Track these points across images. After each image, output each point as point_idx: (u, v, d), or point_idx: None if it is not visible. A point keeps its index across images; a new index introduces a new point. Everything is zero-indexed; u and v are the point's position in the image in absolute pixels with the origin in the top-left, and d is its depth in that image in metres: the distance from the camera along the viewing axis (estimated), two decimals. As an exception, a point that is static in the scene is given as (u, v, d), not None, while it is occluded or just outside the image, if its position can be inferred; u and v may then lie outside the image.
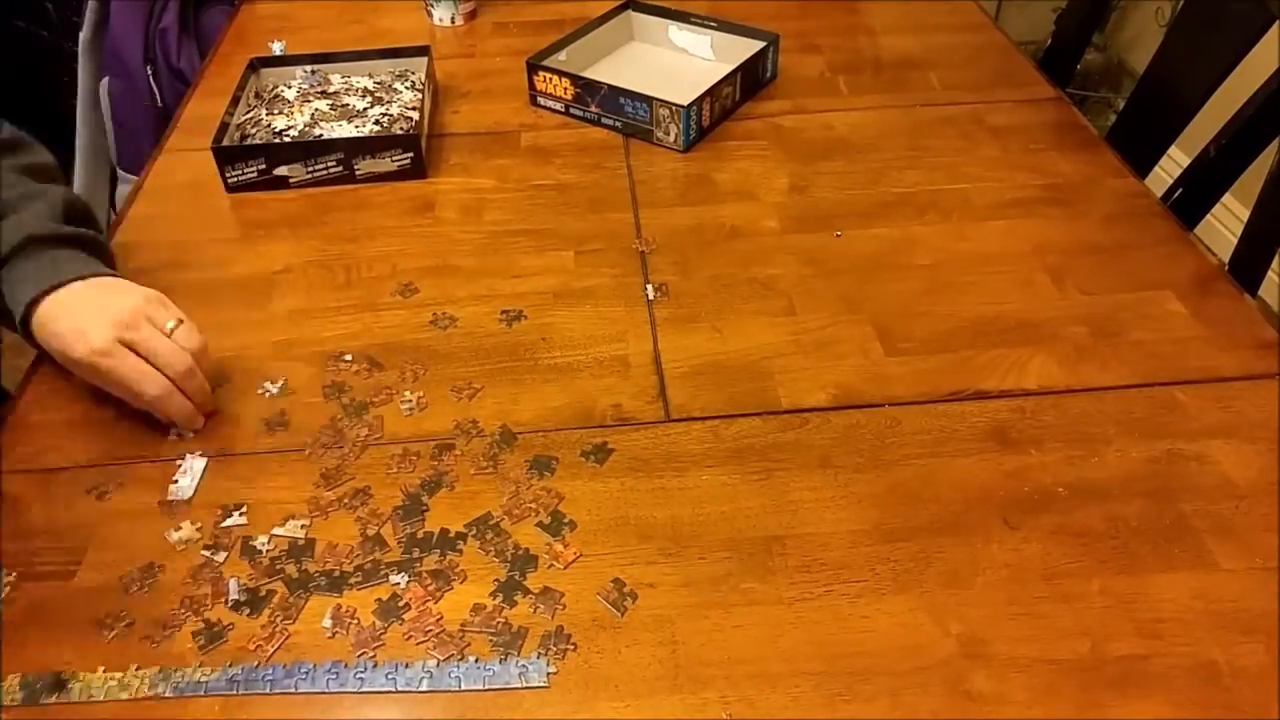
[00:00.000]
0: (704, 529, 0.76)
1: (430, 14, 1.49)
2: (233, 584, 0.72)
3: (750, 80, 1.29)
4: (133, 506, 0.79)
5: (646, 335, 0.94)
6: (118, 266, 0.91)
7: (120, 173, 1.88)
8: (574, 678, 0.67)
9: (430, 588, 0.72)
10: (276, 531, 0.76)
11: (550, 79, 1.26)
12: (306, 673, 0.67)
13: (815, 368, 0.90)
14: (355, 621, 0.70)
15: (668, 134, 1.19)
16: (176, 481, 0.80)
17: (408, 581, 0.72)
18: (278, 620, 0.70)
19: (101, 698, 0.66)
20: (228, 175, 1.14)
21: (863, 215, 1.09)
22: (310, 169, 1.14)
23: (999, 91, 1.31)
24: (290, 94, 1.28)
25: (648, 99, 1.18)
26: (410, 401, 0.87)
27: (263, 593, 0.72)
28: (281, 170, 1.14)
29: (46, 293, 0.81)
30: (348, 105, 1.25)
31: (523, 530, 0.76)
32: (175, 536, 0.76)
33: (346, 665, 0.67)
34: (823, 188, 1.14)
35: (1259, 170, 1.18)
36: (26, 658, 0.68)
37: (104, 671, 0.67)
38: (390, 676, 0.67)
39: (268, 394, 0.89)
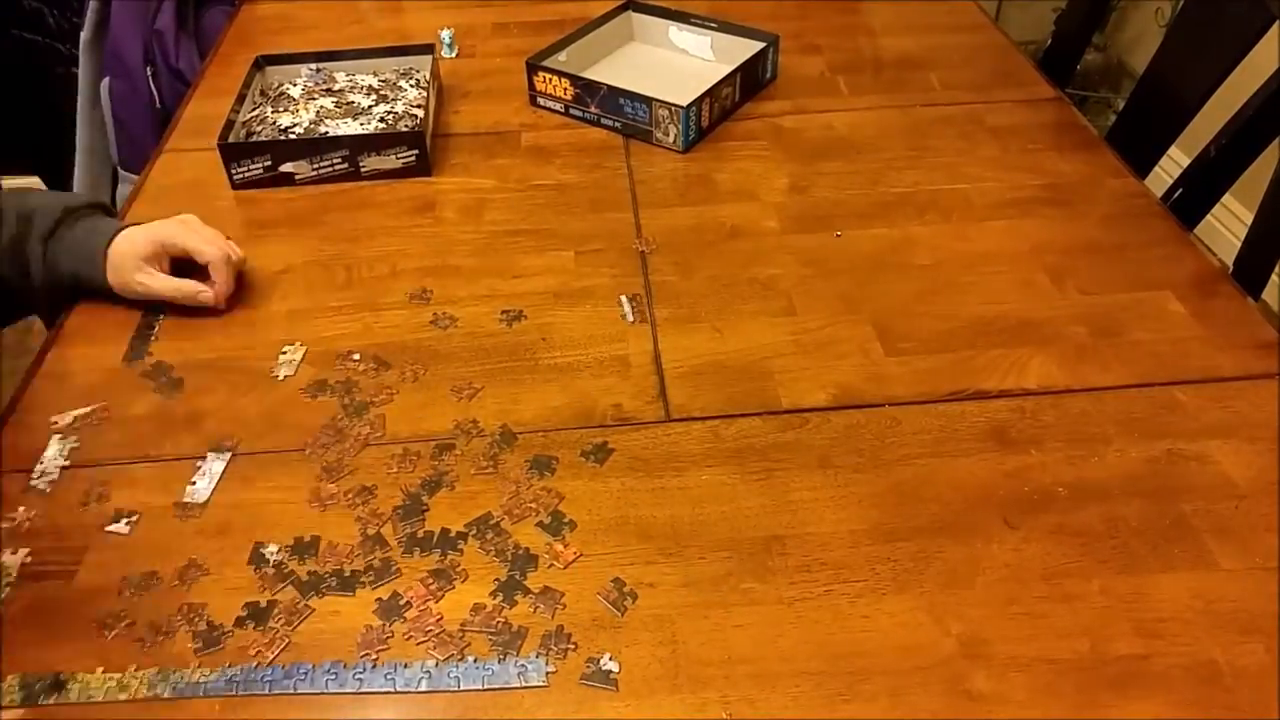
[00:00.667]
0: (704, 529, 0.76)
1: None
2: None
3: (750, 81, 1.29)
4: (132, 506, 0.79)
5: (646, 335, 0.94)
6: None
7: (121, 173, 1.87)
8: (574, 678, 0.67)
9: (432, 587, 0.72)
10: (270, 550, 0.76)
11: (550, 79, 1.26)
12: (305, 673, 0.67)
13: (815, 368, 0.90)
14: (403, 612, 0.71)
15: (667, 134, 1.19)
16: (195, 484, 0.80)
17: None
18: (280, 626, 0.70)
19: (100, 698, 0.66)
20: (234, 172, 1.14)
21: (863, 215, 1.09)
22: (315, 166, 1.15)
23: (999, 91, 1.31)
24: (295, 92, 1.29)
25: (647, 100, 1.18)
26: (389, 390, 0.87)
27: (264, 603, 0.72)
28: (287, 167, 1.15)
29: (116, 234, 0.95)
30: (353, 103, 1.25)
31: (523, 530, 0.76)
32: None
33: (345, 666, 0.67)
34: (823, 188, 1.14)
35: (1259, 170, 1.18)
36: (27, 658, 0.68)
37: (103, 672, 0.67)
38: (389, 677, 0.67)
39: (269, 393, 0.89)
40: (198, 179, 1.17)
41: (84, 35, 1.78)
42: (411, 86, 1.29)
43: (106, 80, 1.77)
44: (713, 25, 1.36)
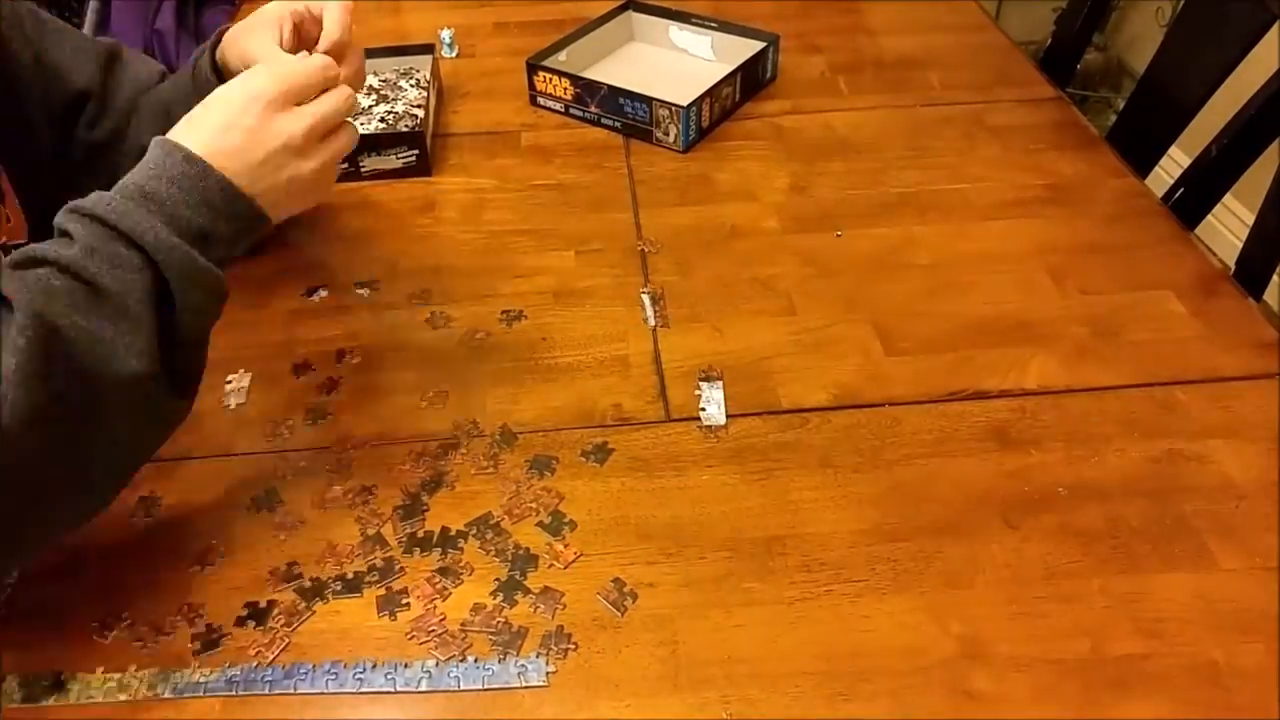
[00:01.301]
0: (704, 529, 0.76)
1: None
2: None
3: (750, 80, 1.29)
4: (132, 508, 0.79)
5: (646, 335, 0.94)
6: None
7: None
8: (574, 678, 0.67)
9: (438, 586, 0.72)
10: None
11: (550, 79, 1.26)
12: (305, 673, 0.67)
13: (815, 368, 0.90)
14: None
15: (667, 134, 1.19)
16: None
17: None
18: (279, 626, 0.70)
19: (100, 699, 0.66)
20: None
21: (863, 215, 1.09)
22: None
23: (999, 91, 1.31)
24: None
25: (647, 99, 1.18)
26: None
27: (264, 603, 0.72)
28: None
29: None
30: None
31: (523, 530, 0.76)
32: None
33: (345, 666, 0.67)
34: (823, 188, 1.14)
35: (1260, 170, 1.18)
36: (28, 658, 0.68)
37: (103, 672, 0.67)
38: (390, 677, 0.67)
39: (268, 394, 0.89)
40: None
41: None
42: (412, 86, 1.29)
43: (107, 80, 1.77)
44: (713, 25, 1.36)
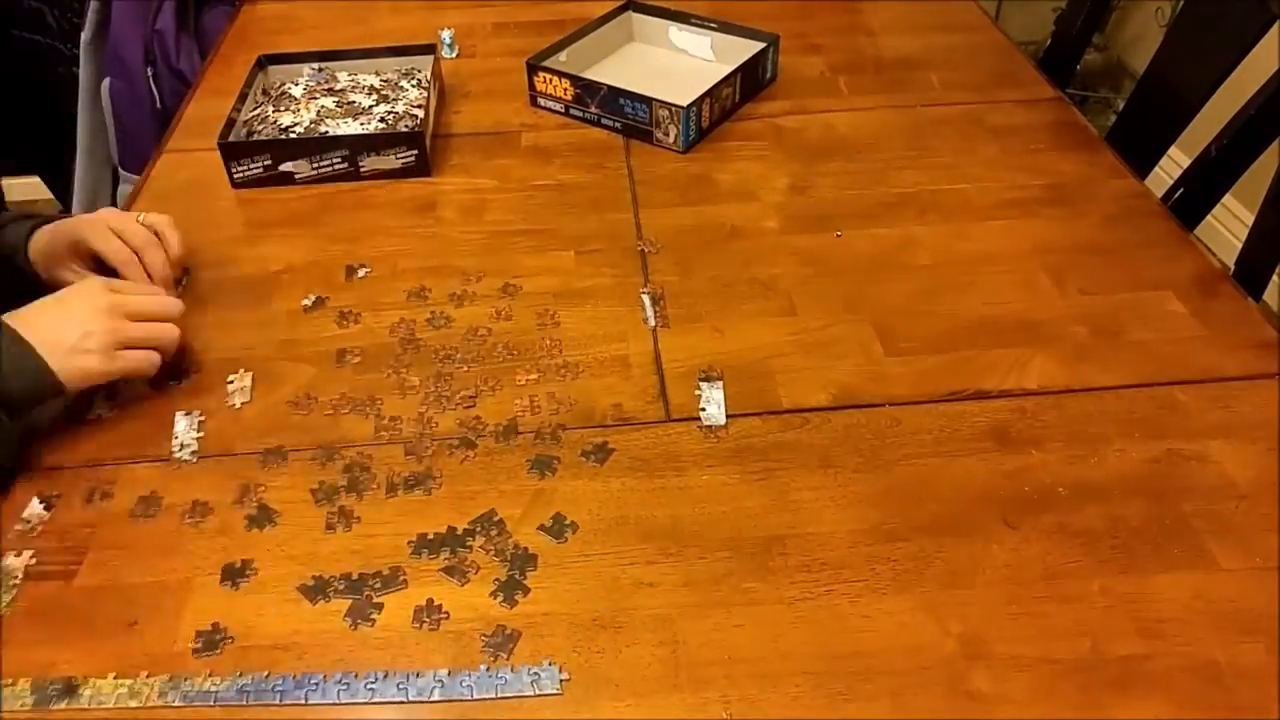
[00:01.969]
0: (704, 529, 0.76)
1: None
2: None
3: (750, 81, 1.29)
4: (131, 507, 0.79)
5: (647, 335, 0.94)
6: None
7: (122, 173, 1.87)
8: (575, 678, 0.67)
9: (442, 587, 0.72)
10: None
11: (550, 80, 1.26)
12: (317, 684, 0.67)
13: (815, 368, 0.90)
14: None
15: (667, 135, 1.19)
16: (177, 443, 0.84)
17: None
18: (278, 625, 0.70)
19: (111, 704, 0.66)
20: (234, 171, 1.15)
21: (863, 215, 1.09)
22: (315, 165, 1.15)
23: (999, 91, 1.31)
24: (297, 91, 1.29)
25: (647, 100, 1.18)
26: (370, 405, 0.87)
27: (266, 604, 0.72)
28: (287, 166, 1.15)
29: (37, 226, 0.96)
30: (354, 103, 1.25)
31: (523, 530, 0.76)
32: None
33: (357, 676, 0.67)
34: (823, 188, 1.14)
35: (1260, 171, 1.18)
36: (39, 660, 0.68)
37: (114, 678, 0.67)
38: (401, 687, 0.66)
39: (270, 394, 0.89)
40: (199, 179, 1.17)
41: (84, 35, 1.78)
42: (413, 86, 1.29)
43: (107, 81, 1.77)
44: (713, 25, 1.36)
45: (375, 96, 1.27)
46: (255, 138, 1.19)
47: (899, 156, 1.19)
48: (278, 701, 0.66)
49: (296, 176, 1.15)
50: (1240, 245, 1.19)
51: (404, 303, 0.99)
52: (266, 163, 1.14)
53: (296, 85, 1.30)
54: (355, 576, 0.73)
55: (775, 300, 0.98)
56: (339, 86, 1.29)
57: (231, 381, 0.89)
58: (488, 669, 0.67)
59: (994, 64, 1.38)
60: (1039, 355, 0.90)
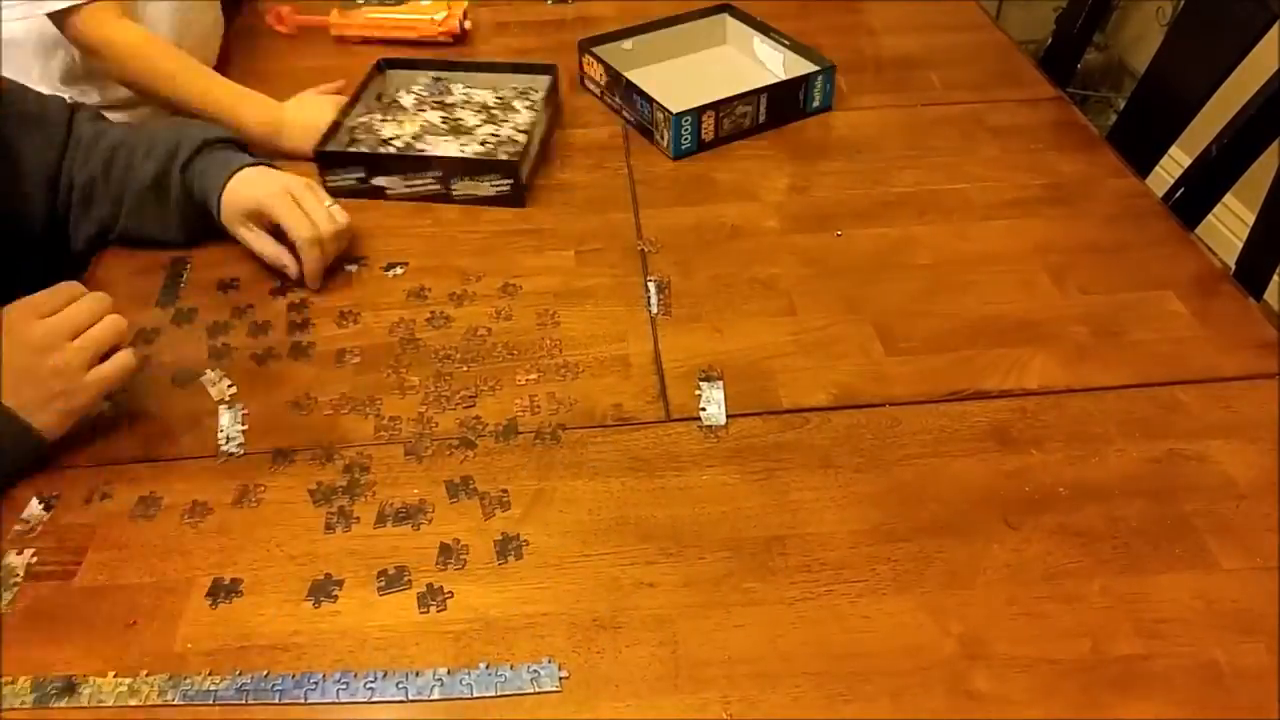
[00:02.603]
0: (704, 529, 0.76)
1: None
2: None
3: (784, 105, 1.24)
4: (131, 507, 0.79)
5: (647, 335, 0.94)
6: None
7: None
8: (575, 678, 0.67)
9: (435, 585, 0.72)
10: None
11: (592, 63, 1.27)
12: (316, 683, 0.67)
13: (816, 367, 0.90)
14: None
15: (663, 138, 1.19)
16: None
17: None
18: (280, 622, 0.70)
19: (111, 703, 0.66)
20: (327, 181, 1.12)
21: (863, 215, 1.09)
22: (408, 183, 1.12)
23: (999, 91, 1.31)
24: (407, 101, 1.26)
25: (650, 100, 1.18)
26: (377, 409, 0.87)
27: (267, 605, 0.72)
28: (380, 181, 1.12)
29: (235, 172, 1.00)
30: (460, 121, 1.21)
31: (523, 529, 0.76)
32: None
33: (356, 675, 0.67)
34: (823, 188, 1.14)
35: (1260, 170, 1.18)
36: (30, 659, 0.68)
37: (115, 676, 0.67)
38: (401, 686, 0.66)
39: (270, 394, 0.89)
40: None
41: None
42: (525, 109, 1.24)
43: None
44: (786, 43, 1.31)
45: (484, 115, 1.22)
46: (356, 147, 1.17)
47: (899, 156, 1.19)
48: (277, 700, 0.66)
49: (388, 192, 1.12)
50: (1241, 245, 1.19)
51: (404, 302, 0.99)
52: (360, 175, 1.12)
53: (409, 95, 1.27)
54: (352, 574, 0.73)
55: (775, 300, 0.98)
56: (450, 100, 1.26)
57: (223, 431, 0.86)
58: (487, 667, 0.67)
59: (994, 63, 1.38)
60: (1039, 355, 0.90)
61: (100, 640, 0.69)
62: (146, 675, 0.67)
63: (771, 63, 1.34)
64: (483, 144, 1.18)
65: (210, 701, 0.66)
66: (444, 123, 1.21)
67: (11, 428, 0.76)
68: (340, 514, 0.78)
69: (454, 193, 1.11)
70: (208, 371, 0.90)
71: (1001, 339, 0.92)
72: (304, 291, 1.00)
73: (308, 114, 1.18)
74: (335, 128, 1.17)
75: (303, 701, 0.66)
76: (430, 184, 1.11)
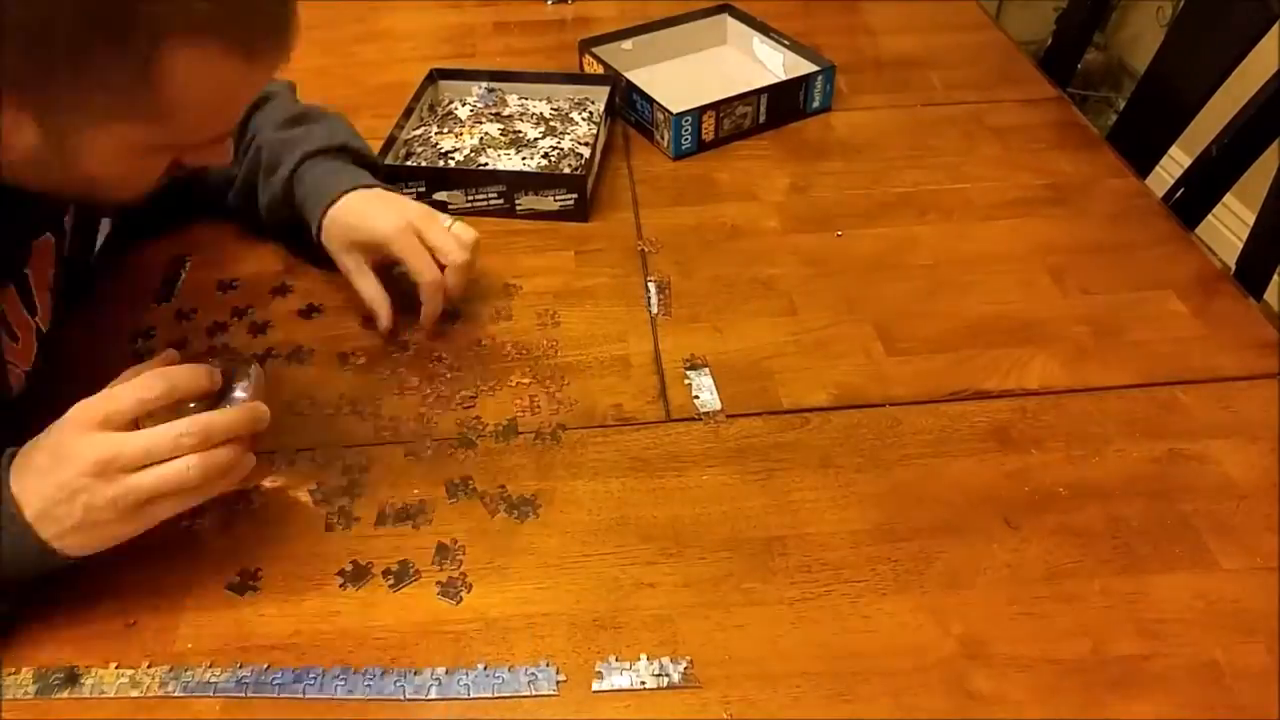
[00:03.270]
0: (704, 529, 0.76)
1: None
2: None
3: (786, 105, 1.24)
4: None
5: (647, 335, 0.94)
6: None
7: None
8: (575, 678, 0.67)
9: (436, 585, 0.72)
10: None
11: (591, 62, 1.26)
12: (315, 678, 0.67)
13: (816, 367, 0.90)
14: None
15: (663, 138, 1.19)
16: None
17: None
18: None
19: (113, 694, 0.66)
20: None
21: (863, 215, 1.09)
22: (470, 198, 1.09)
23: (1000, 91, 1.31)
24: (463, 113, 1.23)
25: (651, 100, 1.18)
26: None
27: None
28: (441, 195, 1.09)
29: (345, 193, 0.92)
30: (520, 133, 1.19)
31: (523, 528, 0.76)
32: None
33: (355, 671, 0.67)
34: (823, 188, 1.14)
35: (1261, 170, 1.18)
36: (30, 658, 0.68)
37: (116, 667, 0.67)
38: (399, 684, 0.66)
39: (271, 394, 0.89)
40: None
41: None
42: (583, 120, 1.21)
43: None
44: (786, 43, 1.31)
45: (543, 128, 1.20)
46: (414, 160, 1.15)
47: (899, 156, 1.19)
48: (276, 694, 0.66)
49: (450, 207, 1.08)
50: (1241, 245, 1.19)
51: (404, 302, 0.98)
52: (420, 189, 1.08)
53: (464, 106, 1.24)
54: (351, 573, 0.73)
55: (775, 300, 0.98)
56: (507, 112, 1.23)
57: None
58: (485, 668, 0.67)
59: (995, 64, 1.38)
60: (1040, 355, 0.90)
61: (101, 640, 0.69)
62: (148, 667, 0.67)
63: (771, 63, 1.34)
64: (545, 156, 1.15)
65: (210, 693, 0.66)
66: (503, 135, 1.18)
67: (35, 550, 0.65)
68: (340, 514, 0.78)
69: (518, 207, 1.09)
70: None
71: (1002, 339, 0.92)
72: (306, 290, 1.00)
73: None
74: (391, 141, 1.13)
75: (301, 696, 0.66)
76: (494, 199, 1.09)
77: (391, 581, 0.73)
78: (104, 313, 0.98)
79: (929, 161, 1.17)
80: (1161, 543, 0.74)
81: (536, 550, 0.75)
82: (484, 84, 1.27)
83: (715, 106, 1.18)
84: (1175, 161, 1.38)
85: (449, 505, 0.78)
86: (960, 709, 0.64)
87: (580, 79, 1.29)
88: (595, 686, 0.66)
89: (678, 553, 0.74)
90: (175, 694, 0.66)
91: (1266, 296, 1.14)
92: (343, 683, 0.67)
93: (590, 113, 1.24)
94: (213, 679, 0.67)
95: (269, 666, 0.67)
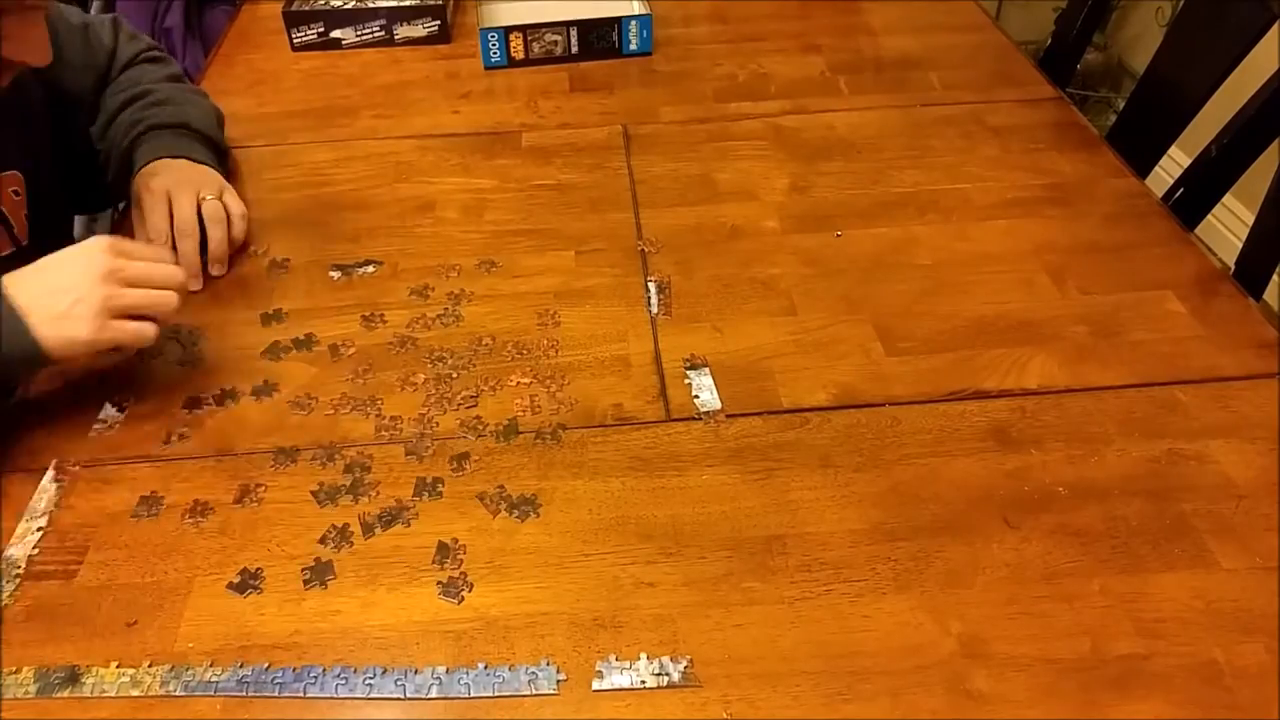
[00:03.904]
0: (704, 528, 0.76)
1: None
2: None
3: (599, 42, 1.37)
4: (132, 507, 0.79)
5: (647, 335, 0.94)
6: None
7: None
8: (575, 677, 0.67)
9: (436, 585, 0.72)
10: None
11: None
12: (316, 676, 0.67)
13: (816, 367, 0.90)
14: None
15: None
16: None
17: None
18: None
19: (114, 693, 0.66)
20: (294, 36, 1.40)
21: (863, 215, 1.09)
22: (359, 33, 1.40)
23: (999, 91, 1.31)
24: None
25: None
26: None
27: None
28: (336, 33, 1.40)
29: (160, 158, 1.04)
30: None
31: (523, 528, 0.76)
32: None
33: (355, 670, 0.67)
34: (823, 188, 1.14)
35: (1260, 170, 1.18)
36: (30, 658, 0.69)
37: (117, 667, 0.67)
38: (399, 683, 0.67)
39: (269, 393, 0.89)
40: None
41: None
42: None
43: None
44: None
45: None
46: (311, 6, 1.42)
47: (899, 156, 1.19)
48: (277, 693, 0.66)
49: (344, 43, 1.40)
50: (1240, 245, 1.19)
51: (405, 302, 0.99)
52: (320, 30, 1.39)
53: None
54: (350, 574, 0.73)
55: (775, 300, 0.98)
56: None
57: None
58: (486, 668, 0.67)
59: (994, 64, 1.38)
60: (1039, 355, 0.90)
61: (101, 639, 0.69)
62: (149, 666, 0.67)
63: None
64: None
65: (211, 692, 0.66)
66: None
67: (25, 333, 0.77)
68: (338, 512, 0.78)
69: (396, 36, 1.41)
70: (208, 371, 0.91)
71: (1001, 339, 0.92)
72: (306, 292, 1.00)
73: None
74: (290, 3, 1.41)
75: (302, 695, 0.66)
76: (377, 31, 1.40)
77: (395, 580, 0.73)
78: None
79: (928, 161, 1.17)
80: (1161, 542, 0.74)
81: (537, 550, 0.75)
82: None
83: (524, 29, 1.34)
84: (1175, 161, 1.38)
85: (449, 504, 0.78)
86: (960, 709, 0.64)
87: None
88: (595, 685, 0.66)
89: (678, 552, 0.74)
90: (176, 693, 0.66)
91: (1266, 296, 1.14)
92: (343, 682, 0.67)
93: None
94: (213, 678, 0.67)
95: (269, 666, 0.68)
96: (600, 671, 0.67)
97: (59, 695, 0.66)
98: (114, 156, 1.07)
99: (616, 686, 0.66)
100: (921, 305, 0.97)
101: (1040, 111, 1.27)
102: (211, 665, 0.68)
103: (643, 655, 0.67)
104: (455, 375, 0.90)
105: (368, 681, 0.67)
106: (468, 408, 0.87)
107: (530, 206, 1.12)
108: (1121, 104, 2.23)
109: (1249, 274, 1.11)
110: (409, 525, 0.77)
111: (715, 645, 0.68)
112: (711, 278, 1.01)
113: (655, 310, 0.96)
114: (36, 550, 0.75)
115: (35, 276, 0.79)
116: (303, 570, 0.74)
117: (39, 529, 0.76)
